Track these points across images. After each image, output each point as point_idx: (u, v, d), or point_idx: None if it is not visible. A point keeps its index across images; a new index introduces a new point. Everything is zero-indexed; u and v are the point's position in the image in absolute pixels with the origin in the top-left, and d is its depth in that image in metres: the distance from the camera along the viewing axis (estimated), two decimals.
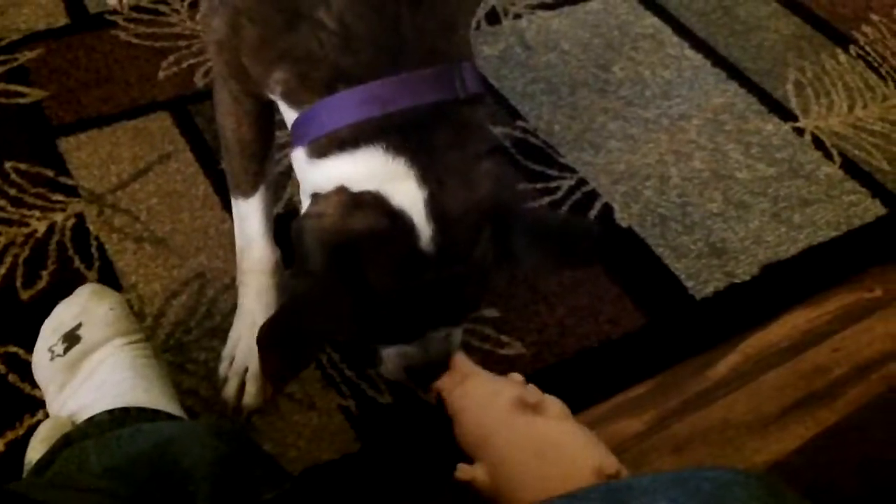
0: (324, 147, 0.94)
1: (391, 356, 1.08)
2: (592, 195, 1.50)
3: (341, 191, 0.93)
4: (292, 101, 0.98)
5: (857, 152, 1.62)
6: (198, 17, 1.70)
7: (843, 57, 1.82)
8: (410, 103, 0.91)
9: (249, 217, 1.19)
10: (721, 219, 1.48)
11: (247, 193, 1.18)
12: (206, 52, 1.66)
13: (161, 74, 1.64)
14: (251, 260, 1.21)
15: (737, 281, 1.40)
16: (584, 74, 1.71)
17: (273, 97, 1.02)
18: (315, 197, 0.96)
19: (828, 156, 1.61)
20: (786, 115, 1.68)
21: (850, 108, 1.71)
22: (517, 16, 1.82)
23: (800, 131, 1.65)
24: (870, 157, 1.62)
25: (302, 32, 0.93)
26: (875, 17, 1.94)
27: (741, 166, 1.57)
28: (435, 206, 0.92)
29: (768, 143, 1.61)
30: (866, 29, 1.91)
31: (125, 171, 1.47)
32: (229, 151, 1.16)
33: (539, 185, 1.50)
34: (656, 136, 1.61)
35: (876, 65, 1.82)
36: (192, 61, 1.66)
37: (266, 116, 1.13)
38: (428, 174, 0.92)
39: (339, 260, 0.91)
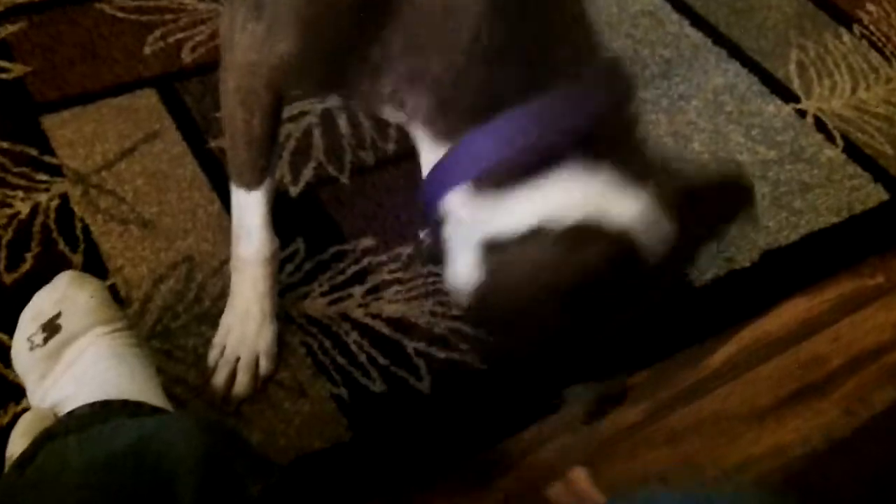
0: (502, 178, 0.85)
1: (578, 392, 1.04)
2: None
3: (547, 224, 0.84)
4: (436, 132, 0.90)
5: (859, 135, 1.59)
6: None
7: (846, 37, 1.79)
8: (580, 118, 0.84)
9: (251, 208, 1.14)
10: None
11: (251, 186, 1.12)
12: (193, 28, 1.62)
13: (147, 50, 1.59)
14: (250, 250, 1.16)
15: (736, 267, 1.37)
16: None
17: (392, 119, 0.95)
18: (496, 242, 0.86)
19: (830, 139, 1.58)
20: (788, 96, 1.64)
21: (854, 90, 1.68)
22: None
23: (802, 113, 1.62)
24: (872, 141, 1.59)
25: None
26: None
27: (742, 149, 1.54)
28: (651, 216, 0.84)
29: (769, 126, 1.58)
30: (871, 7, 1.87)
31: (111, 150, 1.43)
32: (236, 144, 1.10)
33: None
34: (656, 117, 1.57)
35: (880, 45, 1.79)
36: (179, 36, 1.61)
37: (279, 109, 1.07)
38: (630, 183, 0.84)
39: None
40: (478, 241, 0.88)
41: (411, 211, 1.40)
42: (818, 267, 1.39)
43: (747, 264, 1.37)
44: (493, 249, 0.87)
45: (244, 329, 1.18)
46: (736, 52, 1.71)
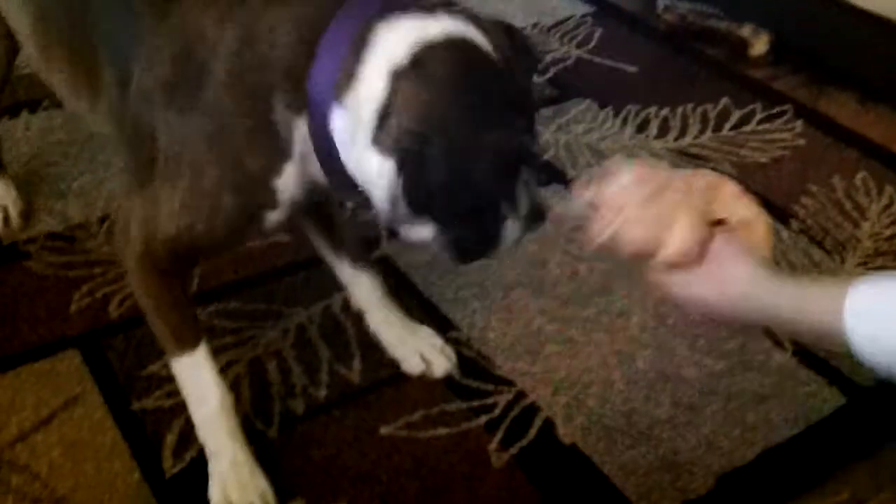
0: (365, 36, 1.04)
1: (515, 229, 1.12)
2: (532, 410, 1.40)
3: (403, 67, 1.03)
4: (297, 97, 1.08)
5: None
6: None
7: (784, 233, 1.77)
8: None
9: (199, 366, 1.26)
10: (670, 426, 1.38)
11: (193, 345, 1.25)
12: (122, 279, 1.58)
13: (73, 307, 1.56)
14: (213, 406, 1.26)
15: (691, 496, 1.29)
16: (518, 274, 1.64)
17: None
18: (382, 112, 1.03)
19: (779, 343, 1.53)
20: None
21: None
22: None
23: None
24: None
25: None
26: (813, 188, 1.90)
27: (688, 363, 1.49)
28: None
29: (715, 335, 1.53)
30: (805, 201, 1.86)
31: (27, 419, 1.37)
32: (168, 314, 1.24)
33: (475, 403, 1.41)
34: (597, 336, 1.53)
35: (819, 238, 1.77)
36: (106, 290, 1.58)
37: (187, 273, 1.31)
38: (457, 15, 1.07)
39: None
40: (368, 130, 1.04)
41: (344, 463, 1.32)
42: (779, 488, 1.31)
43: (703, 492, 1.29)
44: (384, 123, 1.03)
45: (240, 478, 1.25)
46: None
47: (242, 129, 1.11)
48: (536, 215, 1.13)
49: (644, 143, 2.00)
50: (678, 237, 0.95)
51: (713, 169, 1.90)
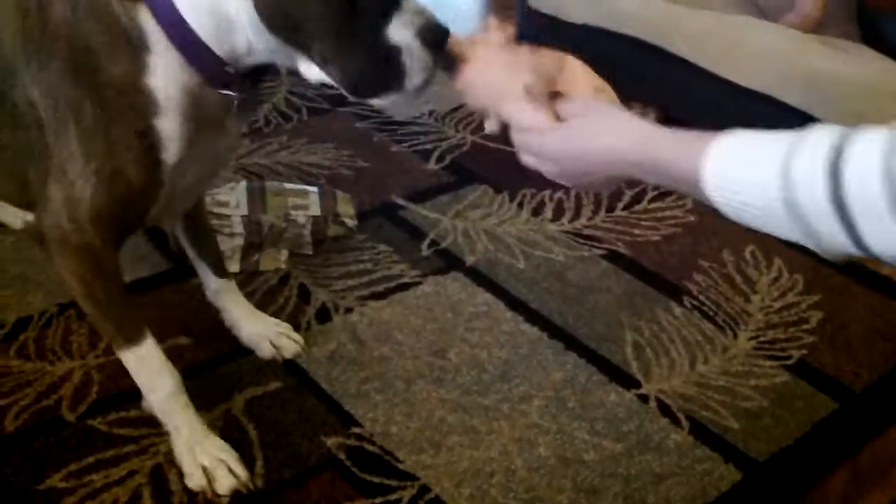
0: None
1: (411, 49, 1.08)
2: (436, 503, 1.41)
3: None
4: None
5: (704, 413, 1.59)
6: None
7: (678, 310, 1.83)
8: None
9: (149, 357, 1.35)
10: None
11: (139, 338, 1.33)
12: (19, 391, 1.56)
13: None
14: (165, 389, 1.37)
15: None
16: (419, 364, 1.66)
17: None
18: None
19: (675, 421, 1.57)
20: (628, 381, 1.65)
21: (692, 365, 1.70)
22: (348, 309, 1.78)
23: (644, 398, 1.61)
24: (717, 417, 1.59)
25: None
26: (704, 263, 1.97)
27: (588, 446, 1.51)
28: None
29: (613, 416, 1.57)
30: (697, 277, 1.93)
31: None
32: (110, 309, 1.31)
33: (378, 500, 1.41)
34: (498, 424, 1.55)
35: (711, 314, 1.83)
36: (2, 403, 1.54)
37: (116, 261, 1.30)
38: None
39: None
40: None
41: None
42: None
43: None
44: None
45: (202, 441, 1.40)
46: (572, 341, 1.72)
47: (94, 44, 1.12)
48: (436, 34, 1.09)
49: (540, 226, 2.05)
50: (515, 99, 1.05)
51: (607, 250, 1.97)
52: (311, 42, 1.10)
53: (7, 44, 1.18)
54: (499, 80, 1.07)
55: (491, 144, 2.34)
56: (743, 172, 0.88)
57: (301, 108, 2.46)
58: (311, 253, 1.90)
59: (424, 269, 1.89)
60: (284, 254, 1.88)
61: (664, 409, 1.59)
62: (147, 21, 1.12)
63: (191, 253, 1.61)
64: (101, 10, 1.12)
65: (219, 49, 1.15)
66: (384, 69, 1.09)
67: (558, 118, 1.05)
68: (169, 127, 1.18)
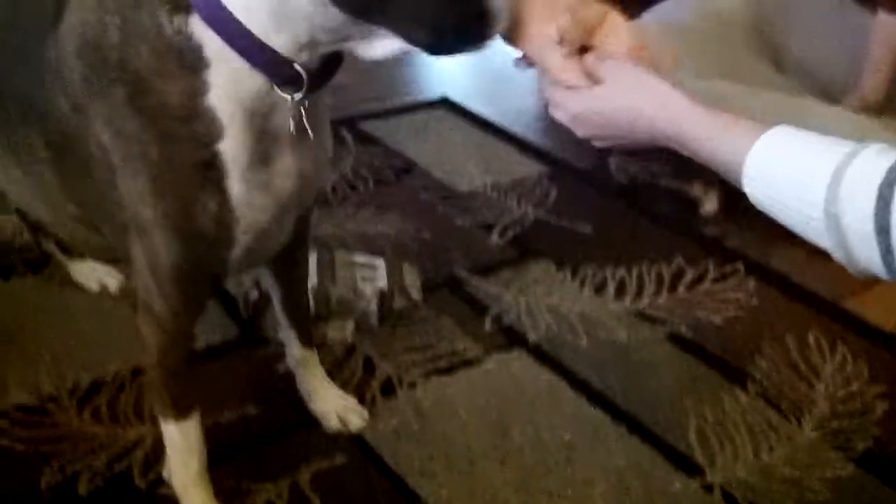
0: None
1: None
2: None
3: None
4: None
5: None
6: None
7: (742, 396, 1.82)
8: None
9: (189, 434, 1.38)
10: None
11: (187, 415, 1.36)
12: (92, 454, 1.59)
13: (43, 483, 1.56)
14: (194, 471, 1.41)
15: None
16: (482, 443, 1.67)
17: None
18: None
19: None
20: (692, 468, 1.64)
21: (756, 453, 1.69)
22: (412, 384, 1.80)
23: (709, 488, 1.61)
24: None
25: None
26: (767, 349, 1.96)
27: None
28: None
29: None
30: (760, 362, 1.92)
31: None
32: (176, 378, 1.34)
33: None
34: None
35: (775, 401, 1.82)
36: (77, 467, 1.58)
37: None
38: None
39: None
40: None
41: None
42: None
43: None
44: None
45: None
46: (636, 426, 1.72)
47: (144, 68, 1.08)
48: None
49: (602, 305, 2.06)
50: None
51: (670, 331, 1.97)
52: (385, 4, 1.00)
53: (77, 86, 1.14)
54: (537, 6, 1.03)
55: (553, 220, 2.36)
56: (789, 172, 0.87)
57: (368, 179, 2.52)
58: (376, 325, 1.93)
59: (488, 346, 1.91)
60: (351, 325, 1.91)
61: (729, 500, 1.58)
62: (201, 31, 1.05)
63: (280, 316, 1.62)
64: (149, 29, 1.06)
65: (279, 44, 1.05)
66: (467, 19, 1.01)
67: (587, 74, 1.04)
68: (234, 149, 1.11)
